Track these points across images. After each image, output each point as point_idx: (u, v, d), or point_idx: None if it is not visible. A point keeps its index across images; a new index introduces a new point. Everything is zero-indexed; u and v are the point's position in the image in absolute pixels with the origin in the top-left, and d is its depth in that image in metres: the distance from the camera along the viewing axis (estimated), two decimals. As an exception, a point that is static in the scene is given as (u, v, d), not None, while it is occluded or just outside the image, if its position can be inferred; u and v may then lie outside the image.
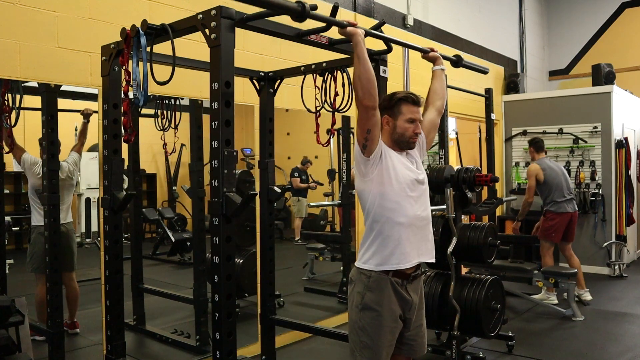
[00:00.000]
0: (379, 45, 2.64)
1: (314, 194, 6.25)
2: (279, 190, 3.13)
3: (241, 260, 4.21)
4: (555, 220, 5.20)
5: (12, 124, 3.02)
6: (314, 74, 3.00)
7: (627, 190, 6.73)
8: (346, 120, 4.87)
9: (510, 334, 3.87)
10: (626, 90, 7.26)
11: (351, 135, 4.93)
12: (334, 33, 2.45)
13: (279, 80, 3.19)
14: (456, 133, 7.76)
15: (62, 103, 3.00)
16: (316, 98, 2.98)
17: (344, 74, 2.93)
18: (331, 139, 3.13)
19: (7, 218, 3.56)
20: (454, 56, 2.98)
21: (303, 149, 6.07)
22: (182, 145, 4.39)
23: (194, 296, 3.87)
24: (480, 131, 6.80)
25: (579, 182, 6.74)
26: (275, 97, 3.21)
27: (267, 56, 3.89)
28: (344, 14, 4.66)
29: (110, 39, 2.48)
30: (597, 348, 4.01)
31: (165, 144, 4.23)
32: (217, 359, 2.01)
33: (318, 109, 3.01)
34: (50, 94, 2.92)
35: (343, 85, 2.90)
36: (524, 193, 7.08)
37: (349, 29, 2.09)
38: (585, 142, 6.77)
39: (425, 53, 2.64)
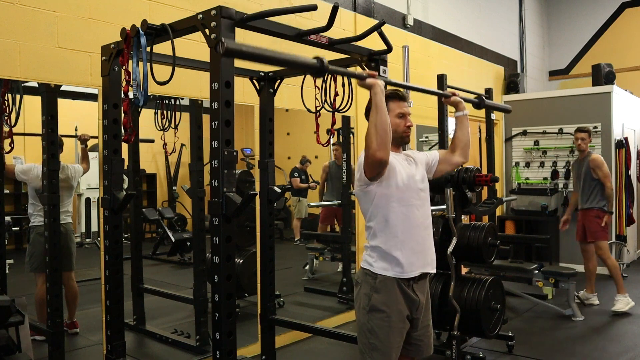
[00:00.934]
0: (379, 45, 2.64)
1: (314, 194, 6.25)
2: (279, 190, 3.13)
3: (241, 260, 4.21)
4: (607, 217, 4.94)
5: (12, 124, 3.02)
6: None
7: (627, 190, 6.73)
8: (346, 120, 4.87)
9: (510, 334, 3.87)
10: (626, 90, 7.26)
11: (351, 135, 4.93)
12: (334, 33, 2.45)
13: (279, 80, 3.19)
14: (456, 133, 7.75)
15: (62, 103, 3.00)
16: (316, 98, 2.98)
17: (344, 74, 2.93)
18: (331, 139, 3.13)
19: (7, 218, 3.56)
20: (475, 97, 2.83)
21: (303, 149, 6.06)
22: (182, 145, 4.39)
23: (194, 296, 3.87)
24: (480, 131, 6.79)
25: (579, 182, 6.73)
26: (275, 97, 3.21)
27: (267, 56, 3.89)
28: (344, 14, 4.66)
29: (110, 39, 2.48)
30: (597, 348, 4.01)
31: (165, 144, 4.23)
32: (217, 359, 2.01)
33: (318, 109, 3.01)
34: (50, 94, 2.92)
35: (343, 85, 2.90)
36: (524, 193, 7.12)
37: (369, 80, 2.03)
38: (585, 142, 6.76)
39: (447, 98, 2.53)
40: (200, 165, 3.82)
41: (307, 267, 5.86)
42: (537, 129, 7.14)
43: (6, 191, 3.62)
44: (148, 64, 2.08)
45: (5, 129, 3.02)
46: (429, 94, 2.58)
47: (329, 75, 2.97)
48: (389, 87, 2.32)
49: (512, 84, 7.51)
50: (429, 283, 3.47)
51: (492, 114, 5.34)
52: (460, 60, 6.52)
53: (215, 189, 1.97)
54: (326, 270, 5.93)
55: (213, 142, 1.97)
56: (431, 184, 2.45)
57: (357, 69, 2.23)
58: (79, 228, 4.10)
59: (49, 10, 2.84)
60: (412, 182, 2.21)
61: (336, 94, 2.92)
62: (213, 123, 1.97)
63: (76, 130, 3.74)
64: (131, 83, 2.17)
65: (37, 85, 2.88)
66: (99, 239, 3.05)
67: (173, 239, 5.71)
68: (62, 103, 2.98)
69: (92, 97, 3.04)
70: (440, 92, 2.54)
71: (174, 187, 5.85)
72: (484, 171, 4.56)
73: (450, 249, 3.37)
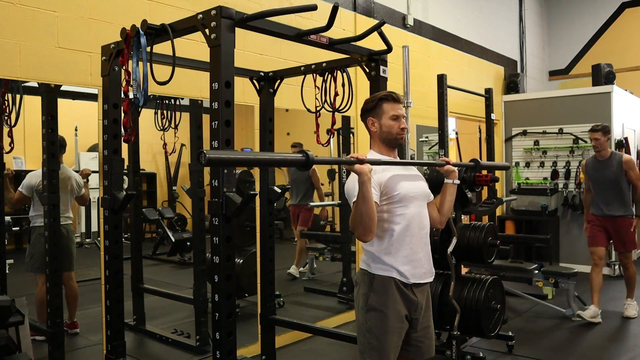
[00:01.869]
0: (379, 45, 2.64)
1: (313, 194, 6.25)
2: (279, 190, 3.13)
3: (241, 260, 4.21)
4: (637, 222, 4.63)
5: (12, 124, 3.02)
6: (314, 74, 3.00)
7: (627, 190, 6.73)
8: (346, 120, 4.87)
9: (510, 334, 3.87)
10: (626, 90, 7.26)
11: (351, 135, 4.93)
12: (334, 33, 2.45)
13: (279, 80, 3.19)
14: (456, 133, 7.75)
15: (62, 103, 3.00)
16: (316, 98, 2.98)
17: (344, 74, 2.93)
18: (331, 139, 3.13)
19: (7, 218, 3.56)
20: (471, 161, 2.66)
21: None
22: (182, 145, 4.39)
23: (194, 296, 3.87)
24: (480, 131, 6.80)
25: (579, 182, 6.73)
26: (275, 97, 3.21)
27: (267, 56, 3.89)
28: (344, 14, 4.66)
29: (110, 39, 2.48)
30: (597, 348, 4.01)
31: (165, 144, 4.23)
32: (217, 359, 2.01)
33: (318, 109, 3.01)
34: (50, 94, 2.92)
35: (343, 85, 2.90)
36: (524, 193, 7.12)
37: (357, 166, 1.92)
38: (585, 142, 6.76)
39: (440, 167, 2.37)
40: (200, 165, 3.81)
41: (307, 267, 5.86)
42: (537, 129, 7.14)
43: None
44: (148, 64, 2.08)
45: (5, 129, 3.03)
46: (423, 165, 2.49)
47: (329, 75, 2.97)
48: (382, 91, 2.30)
49: (512, 84, 7.51)
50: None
51: (492, 114, 5.33)
52: (460, 60, 6.53)
53: (215, 189, 1.97)
54: (326, 270, 5.93)
55: (213, 142, 1.97)
56: (431, 184, 2.44)
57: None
58: (79, 228, 4.10)
59: (49, 10, 2.84)
60: (405, 188, 2.18)
61: (336, 94, 2.92)
62: (213, 123, 1.97)
63: (76, 130, 3.74)
64: (131, 83, 2.17)
65: (37, 85, 2.89)
66: (99, 239, 3.05)
67: (173, 239, 5.71)
68: (62, 103, 2.99)
69: (92, 97, 3.05)
70: (433, 162, 2.49)
71: (174, 187, 5.85)
72: (484, 171, 4.54)
73: (450, 249, 3.37)
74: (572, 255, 6.82)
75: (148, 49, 2.13)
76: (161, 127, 4.00)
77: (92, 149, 3.51)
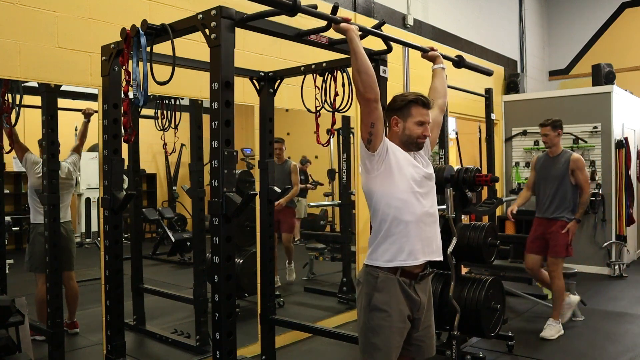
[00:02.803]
0: (379, 45, 2.64)
1: (314, 194, 6.25)
2: (279, 190, 3.13)
3: (241, 260, 4.21)
4: (574, 226, 4.26)
5: (12, 123, 3.02)
6: (314, 74, 3.00)
7: (627, 190, 6.74)
8: (346, 120, 4.87)
9: (510, 334, 3.87)
10: (626, 90, 7.26)
11: (351, 135, 4.93)
12: (334, 33, 2.45)
13: (279, 80, 3.19)
14: (456, 133, 7.76)
15: (62, 103, 3.00)
16: (316, 98, 2.98)
17: (344, 74, 2.93)
18: (331, 139, 3.13)
19: (7, 218, 3.56)
20: (456, 56, 2.94)
21: (303, 149, 6.06)
22: (182, 145, 4.39)
23: (194, 296, 3.87)
24: (480, 131, 6.80)
25: (579, 182, 6.73)
26: (275, 97, 3.21)
27: (267, 56, 3.89)
28: (344, 14, 4.65)
29: (110, 39, 2.48)
30: (597, 348, 4.01)
31: (165, 144, 4.24)
32: (217, 359, 2.01)
33: (318, 109, 3.01)
34: (50, 94, 2.92)
35: (343, 85, 2.90)
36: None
37: (342, 24, 2.10)
38: (585, 142, 6.77)
39: (425, 52, 2.63)
40: (200, 165, 3.82)
41: (307, 267, 5.86)
42: (537, 129, 7.10)
43: (6, 191, 3.62)
44: (148, 64, 2.08)
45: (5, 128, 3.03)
46: (411, 48, 2.71)
47: (329, 75, 2.97)
48: (413, 92, 2.30)
49: (512, 84, 7.51)
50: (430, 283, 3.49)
51: (492, 114, 5.34)
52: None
53: (215, 189, 1.97)
54: (326, 270, 5.93)
55: (213, 142, 1.97)
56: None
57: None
58: (79, 228, 4.11)
59: (49, 10, 2.84)
60: (415, 171, 2.20)
61: (336, 94, 2.92)
62: (213, 123, 1.97)
63: (76, 130, 3.74)
64: (131, 83, 2.17)
65: (37, 85, 2.88)
66: (99, 239, 3.05)
67: (173, 239, 5.71)
68: (62, 103, 2.99)
69: (92, 97, 3.05)
70: (419, 46, 2.66)
71: (174, 187, 5.86)
72: (484, 171, 4.54)
73: (450, 249, 3.37)
74: (572, 255, 6.81)
75: (148, 49, 2.13)
76: (161, 127, 4.00)
77: (92, 149, 3.51)
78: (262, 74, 3.18)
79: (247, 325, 3.95)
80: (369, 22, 4.81)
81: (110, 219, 2.50)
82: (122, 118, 2.27)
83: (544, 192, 4.33)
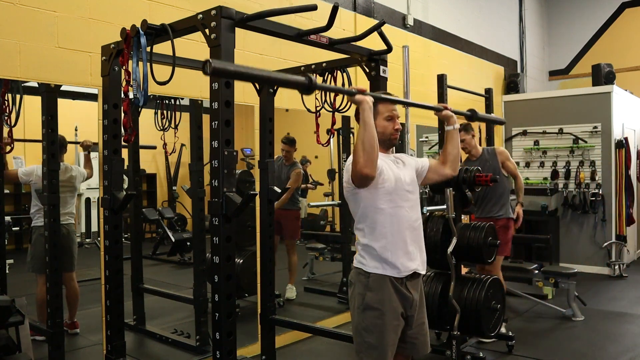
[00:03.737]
0: (379, 45, 2.64)
1: (314, 194, 6.25)
2: (279, 190, 3.13)
3: (241, 260, 4.21)
4: (512, 227, 4.22)
5: (12, 124, 3.02)
6: (314, 74, 3.00)
7: (627, 190, 6.74)
8: (346, 120, 4.87)
9: (510, 334, 3.87)
10: (626, 90, 7.26)
11: (351, 135, 4.93)
12: (334, 33, 2.45)
13: (279, 80, 3.19)
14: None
15: (62, 103, 3.00)
16: (316, 98, 2.98)
17: (344, 74, 2.93)
18: (331, 139, 3.13)
19: (7, 218, 3.56)
20: (468, 110, 2.70)
21: (303, 149, 6.06)
22: (182, 145, 4.39)
23: (194, 296, 3.87)
24: (480, 131, 6.79)
25: (579, 182, 6.74)
26: (275, 97, 3.21)
27: (267, 56, 3.89)
28: (344, 14, 4.66)
29: (110, 39, 2.49)
30: (597, 348, 4.01)
31: (165, 144, 4.24)
32: (217, 359, 2.01)
33: (318, 109, 3.02)
34: (50, 94, 2.92)
35: (343, 85, 2.90)
36: (524, 193, 7.07)
37: (358, 97, 2.02)
38: (585, 142, 6.77)
39: (438, 111, 2.46)
40: (200, 165, 3.82)
41: (307, 267, 5.86)
42: (537, 129, 7.14)
43: (6, 191, 3.62)
44: (148, 64, 2.08)
45: (5, 129, 3.03)
46: (423, 108, 2.50)
47: (329, 75, 2.97)
48: (378, 91, 2.31)
49: (512, 84, 7.51)
50: (429, 282, 3.49)
51: (492, 114, 5.34)
52: (460, 60, 6.53)
53: (215, 189, 1.97)
54: (326, 270, 5.93)
55: (213, 142, 1.97)
56: (431, 185, 2.44)
57: (348, 81, 2.19)
58: (79, 228, 4.10)
59: (49, 10, 2.84)
60: (400, 184, 2.21)
61: (336, 94, 2.92)
62: (213, 123, 1.97)
63: (76, 130, 3.74)
64: (131, 83, 2.18)
65: (37, 85, 2.89)
66: (99, 239, 3.05)
67: (173, 239, 5.71)
68: (62, 103, 2.99)
69: (92, 97, 3.05)
70: (431, 106, 2.47)
71: (174, 187, 5.85)
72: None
73: (450, 249, 3.37)
74: (572, 255, 6.82)
75: (148, 49, 2.13)
76: (161, 127, 4.00)
77: (92, 149, 3.51)
78: (262, 74, 3.18)
79: (247, 325, 3.95)
80: (369, 22, 4.81)
81: (110, 219, 2.50)
82: (122, 118, 2.28)
83: (483, 194, 4.21)
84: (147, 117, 4.07)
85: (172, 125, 3.97)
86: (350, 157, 2.12)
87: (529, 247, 6.56)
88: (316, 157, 6.16)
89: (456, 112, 2.44)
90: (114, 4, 3.11)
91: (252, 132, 3.82)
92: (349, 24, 4.73)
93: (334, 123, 3.00)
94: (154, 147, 4.00)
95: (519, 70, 8.07)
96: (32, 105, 2.98)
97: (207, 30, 1.98)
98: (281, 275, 5.32)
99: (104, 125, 2.53)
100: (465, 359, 3.60)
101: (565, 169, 6.89)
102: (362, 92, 2.02)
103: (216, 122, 1.96)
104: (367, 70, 2.77)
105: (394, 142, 2.27)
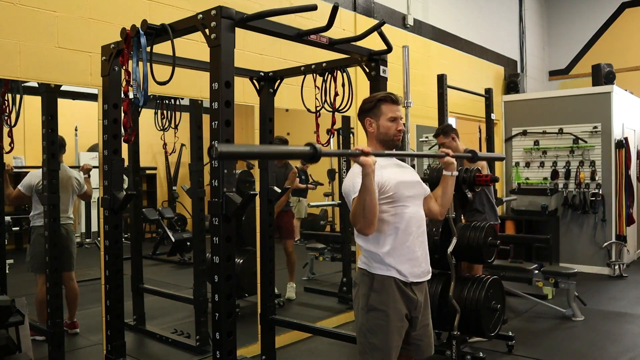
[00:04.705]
0: (379, 45, 2.64)
1: (314, 194, 6.25)
2: (279, 190, 3.13)
3: (241, 260, 4.21)
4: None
5: (12, 124, 3.02)
6: (314, 74, 3.00)
7: (627, 190, 6.73)
8: (346, 120, 4.87)
9: (510, 334, 3.87)
10: (626, 90, 7.26)
11: (351, 135, 4.93)
12: (334, 33, 2.45)
13: (279, 80, 3.19)
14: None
15: (62, 103, 3.00)
16: (316, 98, 2.98)
17: (344, 74, 2.93)
18: (331, 139, 3.13)
19: (7, 218, 3.56)
20: (468, 151, 2.62)
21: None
22: (182, 145, 4.39)
23: (194, 296, 3.87)
24: (480, 131, 6.80)
25: (579, 182, 6.74)
26: (275, 97, 3.21)
27: (267, 56, 3.89)
28: (344, 14, 4.66)
29: (110, 39, 2.48)
30: (597, 348, 4.01)
31: (165, 144, 4.24)
32: (217, 359, 2.01)
33: (318, 109, 3.02)
34: (50, 94, 2.92)
35: (343, 85, 2.90)
36: (524, 193, 7.12)
37: (362, 158, 1.94)
38: (585, 142, 6.77)
39: (441, 158, 2.39)
40: (200, 165, 3.82)
41: (307, 267, 5.86)
42: (537, 129, 7.14)
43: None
44: (148, 64, 2.08)
45: (5, 128, 3.03)
46: (426, 157, 2.49)
47: (329, 75, 2.97)
48: (381, 92, 2.30)
49: (512, 84, 7.51)
50: (429, 282, 3.49)
51: (492, 114, 5.34)
52: (460, 60, 6.53)
53: (215, 189, 1.97)
54: (326, 270, 5.93)
55: (213, 142, 1.97)
56: (431, 185, 2.44)
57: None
58: (79, 228, 4.11)
59: (49, 10, 2.84)
60: (402, 188, 2.19)
61: (336, 94, 2.92)
62: (213, 123, 1.97)
63: (76, 130, 3.74)
64: (131, 83, 2.17)
65: (37, 85, 2.89)
66: (99, 239, 3.05)
67: (173, 239, 5.71)
68: (62, 103, 2.99)
69: (92, 97, 3.05)
70: (434, 154, 2.48)
71: (174, 187, 5.86)
72: (484, 171, 4.53)
73: (450, 249, 3.37)
74: (572, 255, 6.82)
75: (148, 49, 2.13)
76: (161, 127, 4.00)
77: (92, 149, 3.51)
78: (262, 74, 3.18)
79: (247, 325, 3.95)
80: (369, 22, 4.81)
81: (110, 219, 2.50)
82: (122, 118, 2.28)
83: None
84: (147, 117, 4.08)
85: (172, 125, 3.97)
86: (353, 168, 2.10)
87: (529, 247, 6.57)
88: (316, 157, 6.14)
89: (457, 156, 2.43)
90: (114, 4, 3.11)
91: (252, 132, 3.82)
92: (349, 24, 4.73)
93: (334, 123, 2.99)
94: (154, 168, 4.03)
95: (519, 70, 8.07)
96: (32, 105, 2.98)
97: (207, 30, 1.98)
98: (281, 275, 5.32)
99: (104, 125, 2.53)
100: (465, 359, 3.60)
101: (565, 169, 6.89)
102: (366, 154, 1.93)
103: (216, 122, 1.95)
104: (367, 70, 2.77)
105: (397, 143, 2.26)
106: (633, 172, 7.02)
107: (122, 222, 2.53)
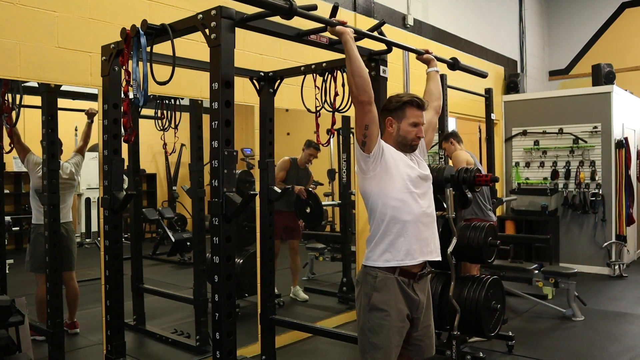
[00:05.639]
0: (379, 46, 2.64)
1: (313, 194, 6.24)
2: (279, 190, 3.13)
3: (241, 260, 4.21)
4: None
5: (13, 123, 3.02)
6: (314, 74, 3.00)
7: (627, 190, 6.74)
8: (346, 120, 4.87)
9: (510, 334, 3.87)
10: (626, 90, 7.26)
11: (351, 135, 4.93)
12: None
13: (279, 80, 3.19)
14: (456, 133, 7.74)
15: (62, 103, 3.00)
16: (316, 98, 2.98)
17: (344, 74, 2.93)
18: (331, 139, 3.13)
19: (7, 218, 3.56)
20: (450, 58, 2.91)
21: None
22: (182, 145, 4.39)
23: (194, 296, 3.87)
24: (480, 131, 6.79)
25: (579, 182, 6.74)
26: (275, 97, 3.21)
27: (267, 56, 3.89)
28: (344, 14, 4.66)
29: (110, 39, 2.48)
30: (597, 348, 4.01)
31: (165, 144, 4.24)
32: (217, 359, 2.01)
33: (318, 109, 3.01)
34: (50, 94, 2.92)
35: (343, 85, 2.90)
36: (524, 193, 7.12)
37: (338, 27, 2.11)
38: (585, 142, 6.77)
39: (420, 55, 2.63)
40: (200, 165, 3.82)
41: (307, 267, 5.86)
42: (537, 129, 7.14)
43: (6, 191, 3.62)
44: (148, 64, 2.08)
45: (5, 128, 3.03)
46: (406, 50, 2.69)
47: (329, 75, 2.97)
48: (408, 94, 2.31)
49: (512, 84, 7.51)
50: (429, 282, 3.49)
51: (492, 114, 5.34)
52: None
53: (215, 189, 1.97)
54: (326, 270, 5.92)
55: (213, 142, 1.97)
56: (432, 184, 2.44)
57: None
58: (79, 228, 4.11)
59: (49, 10, 2.84)
60: (411, 171, 2.21)
61: (336, 94, 2.92)
62: (213, 123, 1.97)
63: (76, 130, 3.74)
64: (131, 83, 2.17)
65: (37, 85, 2.89)
66: (99, 239, 3.05)
67: (173, 239, 5.71)
68: (62, 103, 2.99)
69: (92, 97, 3.05)
70: (413, 48, 2.64)
71: (174, 187, 5.86)
72: (484, 171, 4.55)
73: (450, 249, 3.37)
74: (572, 255, 6.83)
75: (148, 49, 2.13)
76: (161, 127, 4.00)
77: (92, 149, 3.50)
78: (262, 74, 3.18)
79: (247, 325, 3.95)
80: (369, 22, 4.81)
81: (110, 219, 2.50)
82: (122, 118, 2.27)
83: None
84: (147, 118, 4.08)
85: (172, 125, 3.97)
86: (357, 148, 2.16)
87: (529, 247, 6.56)
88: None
89: (438, 59, 2.63)
90: (114, 4, 3.11)
91: (252, 132, 3.82)
92: (348, 24, 4.72)
93: (334, 123, 2.99)
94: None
95: (519, 70, 8.07)
96: (32, 105, 2.98)
97: (207, 30, 1.98)
98: (281, 275, 5.33)
99: (104, 125, 2.53)
100: (465, 359, 3.60)
101: (565, 169, 6.89)
102: (343, 23, 2.11)
103: (216, 122, 1.95)
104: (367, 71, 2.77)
105: (414, 148, 2.28)
106: (633, 172, 7.02)
107: (122, 222, 2.53)
